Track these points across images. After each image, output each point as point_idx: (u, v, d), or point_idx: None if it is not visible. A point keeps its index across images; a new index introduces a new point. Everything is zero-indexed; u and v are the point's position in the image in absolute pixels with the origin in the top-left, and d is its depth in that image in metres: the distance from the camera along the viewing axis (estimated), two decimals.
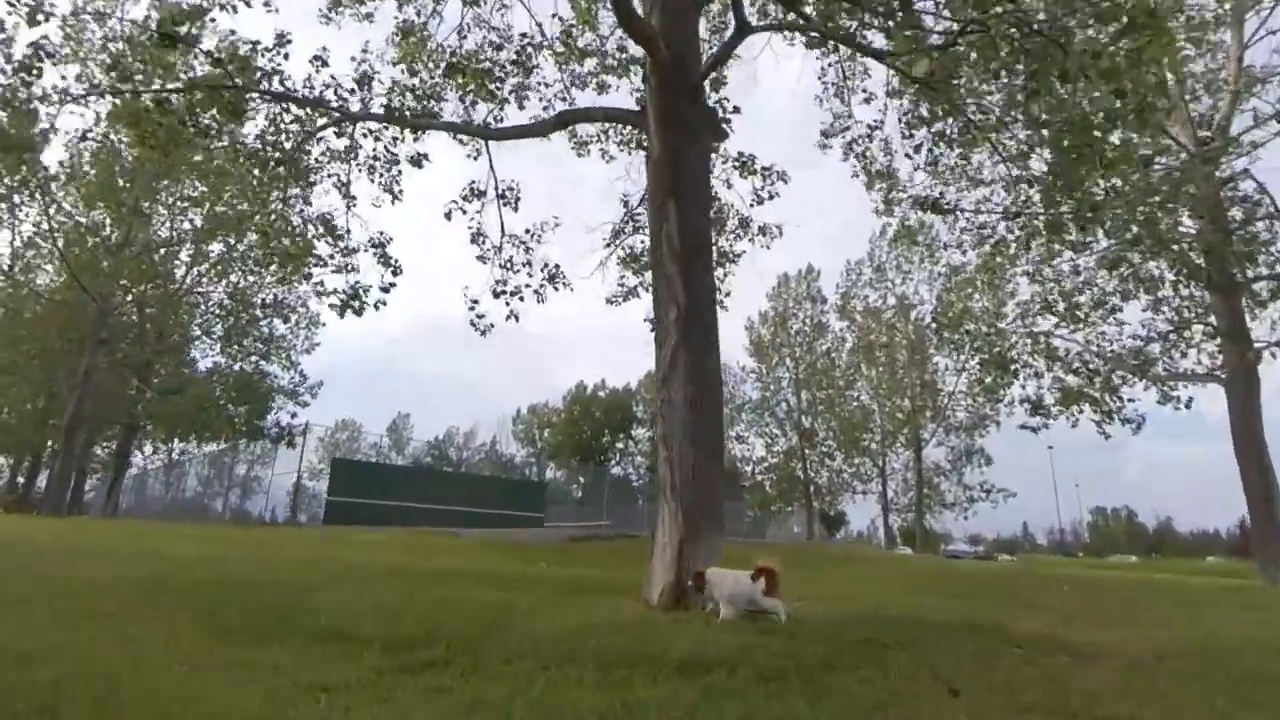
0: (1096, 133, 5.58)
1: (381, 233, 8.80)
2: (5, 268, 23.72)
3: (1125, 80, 4.37)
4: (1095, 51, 4.34)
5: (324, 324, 29.44)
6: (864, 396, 41.06)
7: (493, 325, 9.57)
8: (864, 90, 10.88)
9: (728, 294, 11.72)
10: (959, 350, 25.66)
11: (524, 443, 66.77)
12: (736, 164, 10.07)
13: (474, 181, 9.30)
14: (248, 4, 7.98)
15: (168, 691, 2.48)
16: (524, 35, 9.35)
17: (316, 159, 9.59)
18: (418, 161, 8.92)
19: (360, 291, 8.45)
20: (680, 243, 5.97)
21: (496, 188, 9.20)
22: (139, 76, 8.29)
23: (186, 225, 25.72)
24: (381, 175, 9.41)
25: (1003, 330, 17.68)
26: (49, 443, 27.90)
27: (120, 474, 29.65)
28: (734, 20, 6.88)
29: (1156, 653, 4.50)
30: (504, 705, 2.50)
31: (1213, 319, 13.80)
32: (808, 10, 8.70)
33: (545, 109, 9.89)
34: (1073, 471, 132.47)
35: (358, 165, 9.48)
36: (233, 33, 8.41)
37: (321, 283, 9.83)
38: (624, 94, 10.83)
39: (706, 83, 9.79)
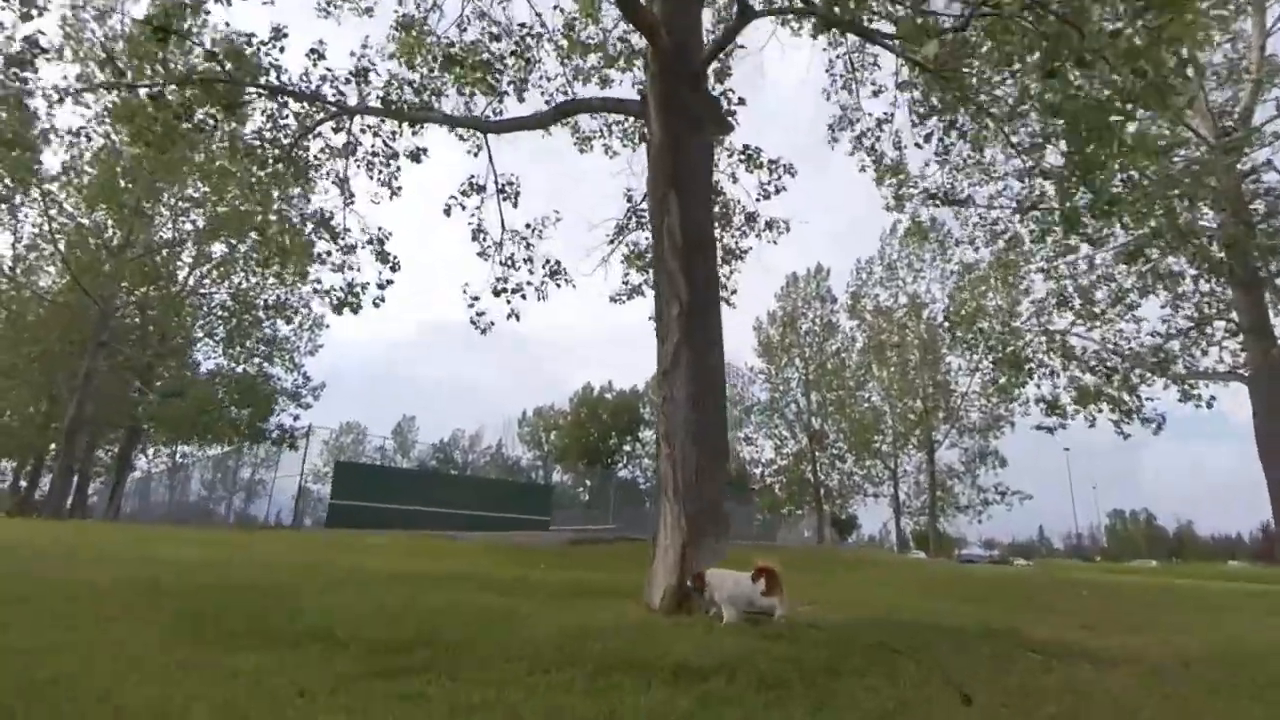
0: (1114, 117, 5.43)
1: (380, 228, 8.74)
2: (6, 270, 23.85)
3: (1145, 60, 4.23)
4: (1114, 31, 4.21)
5: (327, 326, 29.54)
6: (875, 397, 40.84)
7: (493, 323, 9.52)
8: (873, 83, 10.74)
9: (734, 292, 11.64)
10: (972, 349, 25.48)
11: (530, 445, 66.81)
12: (742, 157, 9.95)
13: (473, 176, 9.24)
14: None
15: (126, 696, 2.38)
16: (523, 25, 9.27)
17: (315, 156, 9.57)
18: (416, 156, 8.87)
19: (358, 289, 8.39)
20: (682, 236, 5.86)
21: (496, 182, 9.13)
22: (132, 73, 8.30)
23: (188, 226, 25.85)
24: (380, 171, 9.38)
25: (1017, 329, 17.49)
26: (51, 446, 28.06)
27: (122, 477, 29.81)
28: (736, 3, 6.76)
29: (1180, 659, 4.36)
30: (483, 712, 2.40)
31: (1235, 315, 13.56)
32: None
33: (547, 103, 9.81)
34: (1090, 474, 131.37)
35: (356, 161, 9.47)
36: (227, 24, 8.35)
37: (319, 280, 9.83)
38: (627, 89, 10.74)
39: (711, 74, 9.74)
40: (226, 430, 26.63)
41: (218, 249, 26.10)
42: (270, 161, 9.28)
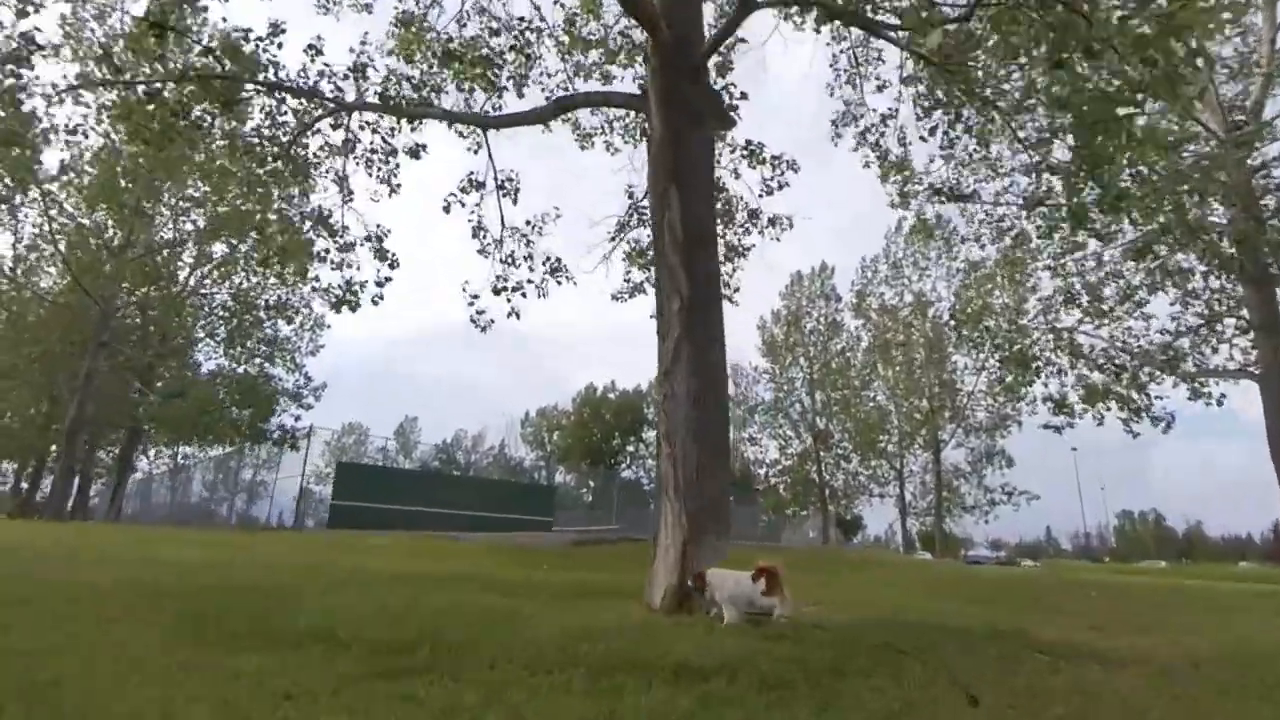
0: (1122, 109, 5.37)
1: (379, 225, 8.72)
2: (7, 270, 23.91)
3: (1155, 50, 4.18)
4: (1123, 18, 4.15)
5: (329, 326, 29.55)
6: (880, 397, 40.75)
7: (493, 321, 9.50)
8: (877, 78, 10.69)
9: (737, 290, 11.60)
10: (978, 348, 25.37)
11: (533, 446, 66.86)
12: (745, 152, 9.90)
13: (473, 173, 9.21)
14: None
15: (113, 699, 2.35)
16: (522, 19, 9.23)
17: (315, 153, 9.56)
18: (415, 153, 8.84)
19: (356, 287, 8.37)
20: (683, 231, 5.83)
21: (496, 178, 9.10)
22: (129, 70, 8.29)
23: (189, 226, 25.90)
24: (379, 168, 9.36)
25: (1024, 327, 17.42)
26: (52, 448, 28.14)
27: (123, 479, 29.88)
28: None
29: (1190, 659, 4.30)
30: (479, 713, 2.36)
31: (1245, 312, 13.47)
32: None
33: (547, 99, 9.78)
34: (1098, 474, 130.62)
35: (355, 159, 9.45)
36: (224, 20, 8.34)
37: (317, 277, 9.82)
38: (628, 85, 10.70)
39: (713, 68, 9.70)
40: (227, 431, 26.67)
41: (218, 249, 26.16)
42: (269, 159, 9.27)
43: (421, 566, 9.05)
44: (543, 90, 10.54)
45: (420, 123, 8.68)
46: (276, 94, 8.50)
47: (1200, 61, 4.66)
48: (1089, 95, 5.79)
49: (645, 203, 10.20)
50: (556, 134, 10.94)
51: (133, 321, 27.08)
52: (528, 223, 9.63)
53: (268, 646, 3.25)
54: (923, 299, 37.92)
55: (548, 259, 9.75)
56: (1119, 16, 4.20)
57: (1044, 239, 13.20)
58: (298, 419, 27.67)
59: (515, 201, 9.27)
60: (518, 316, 9.95)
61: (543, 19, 9.64)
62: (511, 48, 9.05)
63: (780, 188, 10.06)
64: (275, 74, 8.24)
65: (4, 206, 22.18)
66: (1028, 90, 7.45)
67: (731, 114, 9.29)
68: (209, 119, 8.57)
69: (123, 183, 22.66)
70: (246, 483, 27.20)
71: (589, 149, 11.40)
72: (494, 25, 8.97)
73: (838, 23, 9.07)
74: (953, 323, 21.43)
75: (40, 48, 7.70)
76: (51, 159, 22.07)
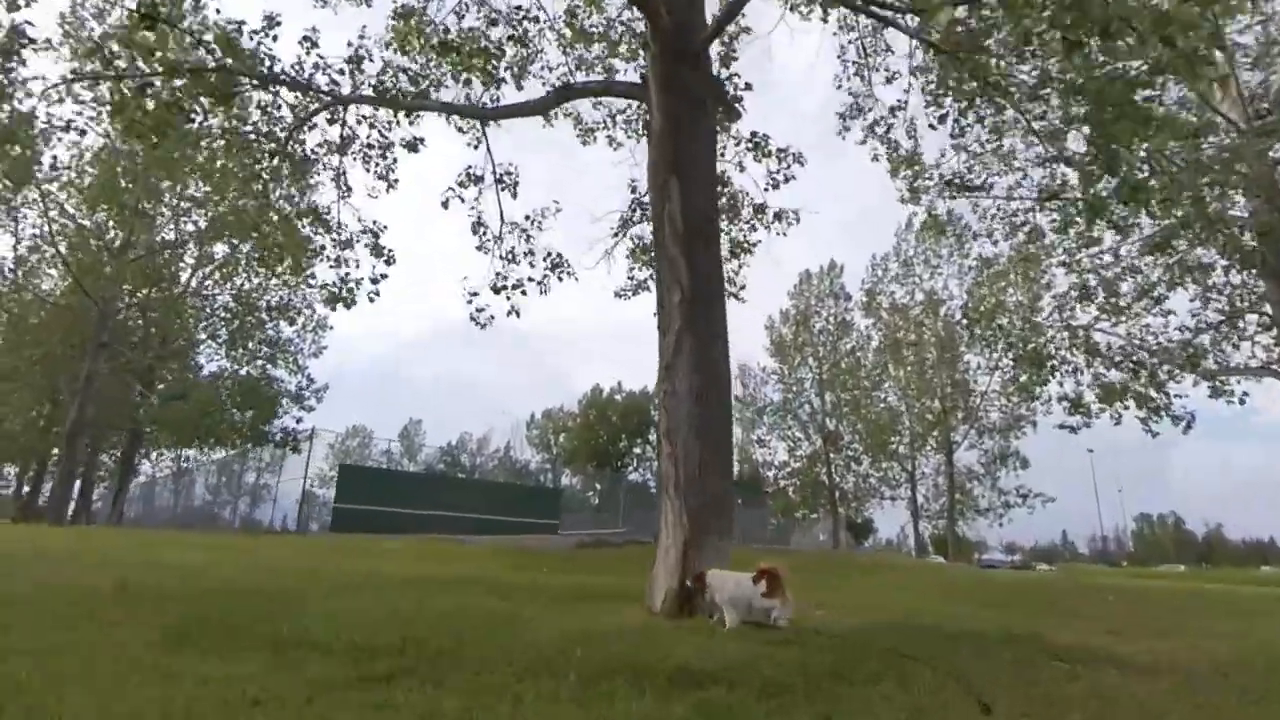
0: (1140, 91, 5.24)
1: (374, 221, 8.65)
2: (7, 272, 24.04)
3: (1175, 27, 4.04)
4: None
5: (331, 328, 29.56)
6: (891, 397, 40.41)
7: (493, 318, 9.40)
8: (886, 69, 10.55)
9: (742, 287, 11.49)
10: (991, 347, 25.11)
11: (539, 448, 66.81)
12: (749, 145, 9.78)
13: (470, 166, 9.13)
14: None
15: (74, 706, 2.26)
16: (519, 9, 9.13)
17: (313, 150, 9.50)
18: (413, 146, 8.75)
19: (352, 283, 8.30)
20: (684, 222, 5.72)
21: (494, 172, 9.02)
22: (120, 62, 8.25)
23: (190, 227, 25.95)
24: (376, 163, 9.29)
25: (1038, 325, 17.22)
26: (53, 451, 28.26)
27: (125, 482, 29.97)
28: None
29: (1212, 665, 4.16)
30: None
31: (1268, 308, 13.23)
32: None
33: (548, 93, 9.69)
34: (1115, 475, 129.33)
35: (352, 154, 9.38)
36: (218, 11, 8.29)
37: (313, 274, 9.76)
38: (632, 80, 10.60)
39: (717, 58, 9.59)
40: (228, 433, 26.70)
41: (220, 249, 26.20)
42: (266, 156, 9.22)
43: (424, 570, 9.00)
44: (543, 84, 10.45)
45: (417, 116, 8.60)
46: (271, 87, 8.45)
47: (1221, 57, 4.52)
48: (1104, 82, 5.66)
49: (648, 198, 10.10)
50: (558, 129, 10.85)
51: (133, 323, 27.17)
52: (527, 218, 9.54)
53: (247, 651, 3.16)
54: (934, 297, 37.61)
55: (549, 254, 9.65)
56: None
57: (1059, 234, 13.02)
58: (299, 421, 27.71)
59: (515, 195, 9.20)
60: (518, 315, 9.86)
61: (541, 8, 9.55)
62: (509, 38, 8.96)
63: (786, 181, 9.93)
64: (270, 67, 8.19)
65: (3, 207, 22.27)
66: (1042, 78, 7.29)
67: (736, 105, 9.18)
68: (203, 113, 8.53)
69: (123, 183, 22.75)
70: (250, 486, 27.25)
71: (591, 144, 11.31)
72: (492, 16, 8.87)
73: (845, 10, 8.95)
74: (965, 321, 21.23)
75: (32, 41, 7.68)
76: (47, 155, 22.12)
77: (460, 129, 10.01)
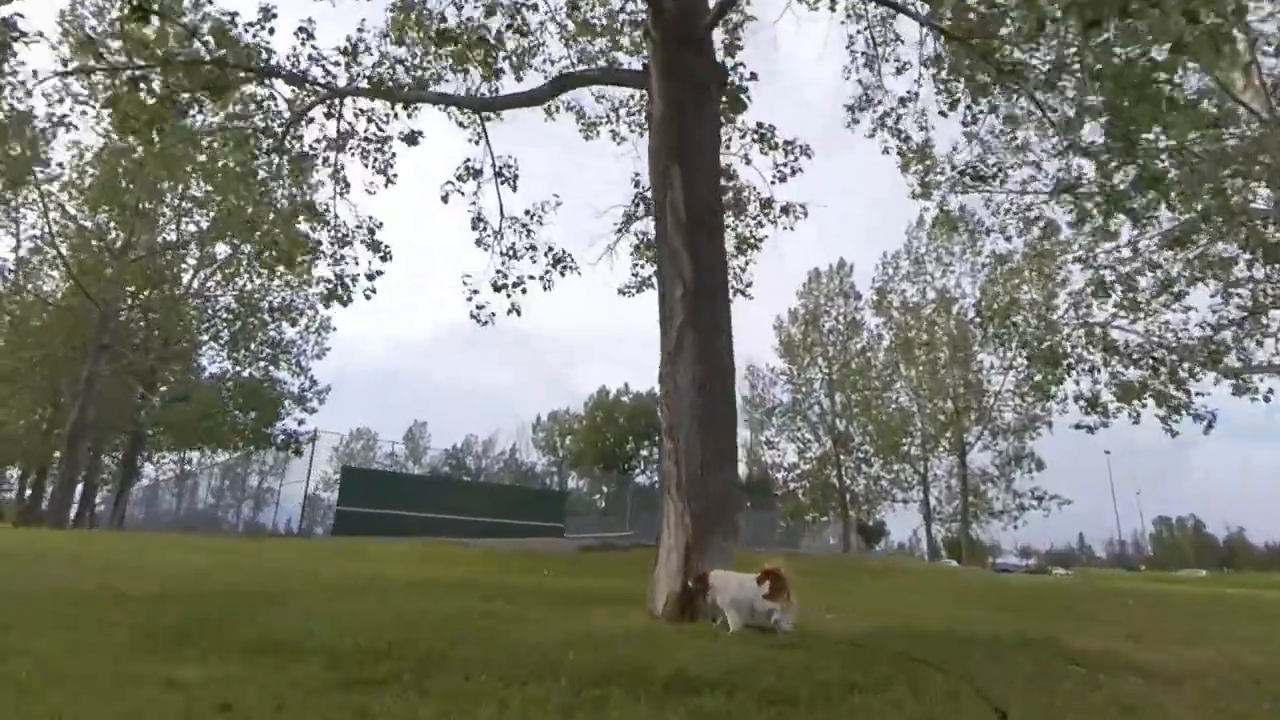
0: (1158, 73, 5.09)
1: (370, 217, 8.57)
2: (8, 273, 24.15)
3: (1198, 1, 3.90)
4: None
5: (334, 329, 29.56)
6: (903, 398, 40.11)
7: (494, 314, 9.30)
8: (895, 59, 10.39)
9: (749, 284, 11.36)
10: (1005, 346, 24.86)
11: (545, 451, 66.75)
12: (755, 136, 9.64)
13: (469, 159, 9.04)
14: None
15: (29, 714, 2.16)
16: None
17: (310, 145, 9.44)
18: (410, 139, 8.67)
19: (348, 280, 8.23)
20: (686, 212, 5.60)
21: (494, 165, 8.92)
22: (114, 56, 8.21)
23: (192, 228, 26.01)
24: (374, 158, 9.22)
25: (1053, 322, 17.00)
26: (55, 453, 28.35)
27: (127, 484, 30.03)
28: None
29: (1243, 673, 4.00)
30: None
31: None
32: None
33: (547, 82, 9.60)
34: (1133, 477, 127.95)
35: (350, 150, 9.32)
36: (210, 2, 8.24)
37: (310, 274, 9.71)
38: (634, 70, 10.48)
39: (721, 47, 9.47)
40: (230, 435, 26.72)
41: (221, 250, 26.24)
42: (264, 151, 9.16)
43: (424, 573, 8.93)
44: (545, 78, 10.36)
45: (415, 108, 8.51)
46: (267, 80, 8.39)
47: (1242, 43, 4.37)
48: (1124, 62, 5.51)
49: (651, 190, 9.98)
50: (560, 123, 10.75)
51: (135, 325, 27.24)
52: (528, 212, 9.44)
53: (224, 655, 3.06)
54: (946, 296, 37.28)
55: (550, 250, 9.55)
56: None
57: (1075, 227, 12.82)
58: (301, 423, 27.70)
59: (514, 189, 9.11)
60: (518, 313, 9.78)
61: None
62: (509, 27, 8.86)
63: (793, 174, 9.78)
64: (267, 60, 8.12)
65: (3, 208, 22.38)
66: (1058, 64, 7.13)
67: (742, 96, 9.06)
68: (197, 107, 8.48)
69: (124, 183, 22.81)
70: (253, 489, 27.29)
71: (594, 138, 11.21)
72: (490, 5, 8.76)
73: None
74: (978, 320, 21.00)
75: (23, 34, 7.64)
76: (51, 158, 22.23)
77: (461, 124, 9.93)
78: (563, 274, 9.55)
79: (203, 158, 12.41)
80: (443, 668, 2.98)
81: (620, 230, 10.56)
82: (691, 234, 5.52)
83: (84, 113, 9.81)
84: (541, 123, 10.76)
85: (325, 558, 10.95)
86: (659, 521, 5.41)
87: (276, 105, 9.03)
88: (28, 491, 34.09)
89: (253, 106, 9.34)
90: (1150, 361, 14.06)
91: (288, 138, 9.17)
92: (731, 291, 10.57)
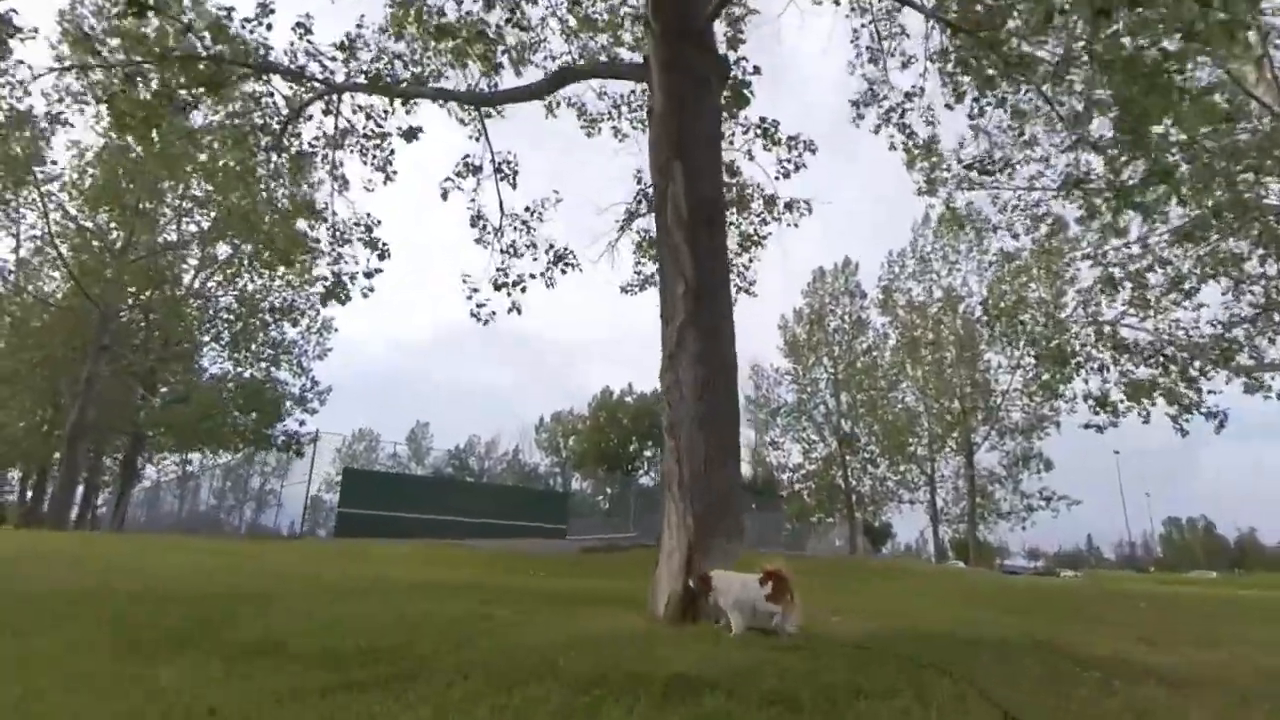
0: (1170, 64, 4.99)
1: (368, 214, 8.52)
2: (8, 274, 24.19)
3: None
4: None
5: (336, 329, 29.55)
6: (909, 398, 39.89)
7: (494, 313, 9.25)
8: (901, 54, 10.31)
9: (753, 282, 11.30)
10: (1013, 345, 24.72)
11: (548, 452, 66.74)
12: (759, 130, 9.56)
13: (469, 155, 8.97)
14: None
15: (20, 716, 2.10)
16: None
17: (309, 143, 9.40)
18: (409, 136, 8.61)
19: (345, 278, 8.18)
20: (687, 207, 5.52)
21: (493, 160, 8.86)
22: (111, 53, 8.18)
23: (193, 228, 26.02)
24: (373, 155, 9.18)
25: (1062, 321, 16.87)
26: (55, 455, 28.39)
27: (127, 486, 30.03)
28: None
29: (1265, 678, 3.90)
30: None
31: None
32: None
33: (546, 76, 9.54)
34: (1142, 478, 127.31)
35: (349, 146, 9.28)
36: None
37: (310, 273, 9.67)
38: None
39: (724, 40, 9.39)
40: (231, 436, 26.72)
41: (223, 250, 26.24)
42: (262, 149, 9.12)
43: (422, 574, 8.87)
44: (546, 74, 10.30)
45: (414, 104, 8.46)
46: (264, 77, 8.34)
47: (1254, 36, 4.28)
48: (1134, 52, 5.41)
49: (652, 186, 9.91)
50: (562, 120, 10.69)
51: (135, 325, 27.26)
52: (528, 209, 9.38)
53: (183, 658, 2.99)
54: (953, 294, 37.10)
55: (551, 247, 9.49)
56: None
57: (1084, 223, 12.70)
58: (302, 424, 27.68)
59: (514, 185, 9.05)
60: (519, 311, 9.73)
61: None
62: (508, 20, 8.80)
63: (797, 169, 9.70)
64: (265, 55, 8.08)
65: (3, 209, 22.41)
66: (1066, 55, 7.03)
67: (745, 91, 8.99)
68: (194, 103, 8.44)
69: (124, 183, 22.83)
70: (256, 491, 27.27)
71: (596, 135, 11.15)
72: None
73: None
74: (985, 318, 20.86)
75: (18, 29, 7.61)
76: (52, 158, 22.27)
77: (462, 121, 9.88)
78: (564, 271, 9.50)
79: (203, 157, 12.42)
80: (433, 670, 2.91)
81: (622, 227, 10.50)
82: (692, 229, 5.45)
83: (81, 110, 9.74)
84: (542, 120, 10.72)
85: (327, 560, 10.90)
86: (660, 522, 5.33)
87: (275, 102, 9.01)
88: (29, 494, 34.15)
89: (251, 104, 9.31)
90: (1161, 359, 13.93)
91: (286, 135, 9.14)
92: (735, 290, 10.53)
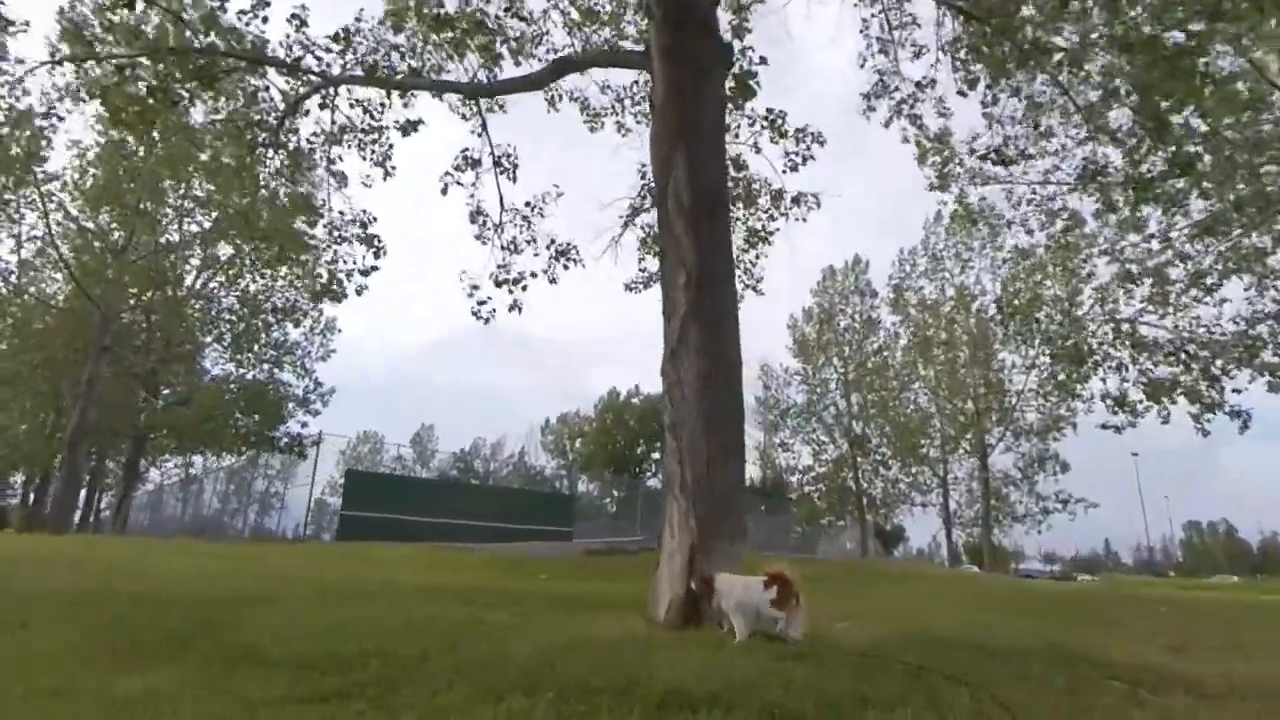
0: (1195, 45, 4.83)
1: (364, 211, 8.45)
2: (8, 274, 24.29)
3: None
4: None
5: (339, 330, 29.57)
6: (921, 398, 39.55)
7: (495, 311, 9.15)
8: (912, 44, 10.16)
9: (760, 280, 11.17)
10: (1028, 344, 24.45)
11: (554, 454, 66.62)
12: (765, 122, 9.43)
13: (468, 149, 8.89)
14: None
15: None
16: None
17: (307, 139, 9.34)
18: (407, 129, 8.53)
19: (340, 276, 8.11)
20: (690, 197, 5.40)
21: (493, 154, 8.77)
22: (108, 48, 8.13)
23: (194, 228, 26.06)
24: (371, 150, 9.10)
25: (1078, 319, 16.62)
26: (57, 457, 28.50)
27: (129, 489, 30.09)
28: None
29: None
30: None
31: None
32: None
33: (546, 65, 9.44)
34: (1161, 480, 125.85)
35: (347, 142, 9.21)
36: None
37: (309, 273, 9.61)
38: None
39: (729, 29, 9.27)
40: (233, 439, 26.73)
41: (224, 250, 26.27)
42: (260, 144, 9.07)
43: (423, 578, 8.78)
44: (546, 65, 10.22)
45: (412, 96, 8.37)
46: (260, 70, 8.28)
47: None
48: (1154, 35, 5.26)
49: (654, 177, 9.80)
50: (564, 114, 10.58)
51: (137, 326, 27.32)
52: (528, 204, 9.28)
53: (161, 665, 2.89)
54: (965, 292, 36.74)
55: (552, 242, 9.39)
56: None
57: (1100, 218, 12.50)
58: (304, 426, 27.69)
59: (514, 179, 8.95)
60: (520, 309, 9.64)
61: None
62: (506, 10, 8.70)
63: (805, 162, 9.56)
64: (262, 49, 8.02)
65: (3, 210, 22.51)
66: (1083, 40, 6.87)
67: (751, 83, 8.86)
68: (191, 99, 8.39)
69: (125, 183, 22.88)
70: (259, 494, 27.29)
71: (598, 130, 11.05)
72: None
73: None
74: (999, 317, 20.61)
75: (10, 23, 7.58)
76: (52, 159, 22.41)
77: (463, 116, 9.80)
78: (566, 266, 9.40)
79: (204, 156, 12.41)
80: (417, 678, 2.80)
81: (626, 223, 10.39)
82: (694, 219, 5.32)
83: (79, 107, 9.73)
84: (543, 116, 10.63)
85: (329, 563, 10.83)
86: (662, 523, 5.21)
87: (271, 97, 8.95)
88: (31, 497, 34.31)
89: (248, 99, 9.25)
90: (1181, 357, 13.69)
91: (283, 130, 9.08)
92: (742, 287, 10.39)
